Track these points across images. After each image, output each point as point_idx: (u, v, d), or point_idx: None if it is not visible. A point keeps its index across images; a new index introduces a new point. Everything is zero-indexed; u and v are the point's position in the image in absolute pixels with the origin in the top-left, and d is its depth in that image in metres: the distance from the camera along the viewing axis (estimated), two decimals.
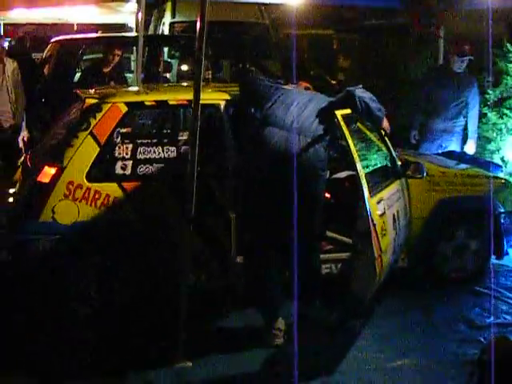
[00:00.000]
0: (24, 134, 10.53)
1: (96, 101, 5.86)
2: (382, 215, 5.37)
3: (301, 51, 15.67)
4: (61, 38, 11.90)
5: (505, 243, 6.96)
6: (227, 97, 5.98)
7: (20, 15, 13.90)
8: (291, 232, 5.13)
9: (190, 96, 5.75)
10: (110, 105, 5.77)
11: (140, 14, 9.19)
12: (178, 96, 6.10)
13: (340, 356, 5.20)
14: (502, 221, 6.95)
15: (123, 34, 13.44)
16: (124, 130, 5.80)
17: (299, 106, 5.34)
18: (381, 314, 5.95)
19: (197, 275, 5.71)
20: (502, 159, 9.34)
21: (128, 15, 14.70)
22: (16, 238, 5.66)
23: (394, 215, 5.72)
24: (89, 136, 5.66)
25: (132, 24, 15.11)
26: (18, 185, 6.39)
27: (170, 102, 6.01)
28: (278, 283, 5.51)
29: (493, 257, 6.89)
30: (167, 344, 5.19)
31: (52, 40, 11.92)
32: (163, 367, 5.05)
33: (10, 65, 9.75)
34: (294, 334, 5.02)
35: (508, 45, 9.87)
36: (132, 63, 13.64)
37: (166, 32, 14.81)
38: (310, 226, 5.35)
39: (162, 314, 5.51)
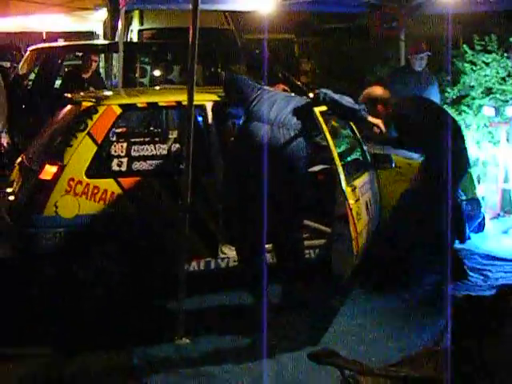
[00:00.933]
0: (5, 141, 10.83)
1: (92, 103, 6.33)
2: (356, 201, 5.93)
3: (263, 56, 16.07)
4: (39, 46, 12.27)
5: (467, 229, 7.52)
6: (215, 98, 6.48)
7: None
8: (278, 216, 5.70)
9: (177, 98, 6.31)
10: (105, 107, 6.23)
11: (120, 22, 9.62)
12: (167, 98, 6.61)
13: (324, 330, 5.71)
14: (464, 208, 7.52)
15: (96, 41, 13.78)
16: (119, 130, 6.29)
17: (281, 104, 5.90)
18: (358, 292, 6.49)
19: (190, 261, 6.18)
20: None
21: (96, 23, 15.03)
22: (22, 232, 6.09)
23: (366, 202, 6.29)
24: (86, 136, 6.11)
25: (99, 32, 15.47)
26: (15, 183, 6.79)
27: (160, 104, 6.50)
28: (265, 266, 6.04)
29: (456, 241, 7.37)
30: (167, 323, 5.68)
31: (30, 48, 12.26)
32: (164, 343, 5.54)
33: None
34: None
35: (464, 46, 10.41)
36: (101, 70, 13.99)
37: (135, 39, 15.26)
38: (296, 208, 5.89)
39: (160, 295, 6.01)
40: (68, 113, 6.75)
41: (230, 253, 6.41)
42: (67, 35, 16.92)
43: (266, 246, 6.07)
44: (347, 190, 5.78)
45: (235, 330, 5.79)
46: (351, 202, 5.77)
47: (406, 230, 6.67)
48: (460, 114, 10.08)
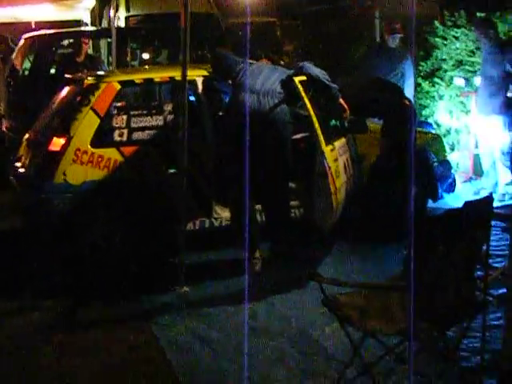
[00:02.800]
0: (3, 125, 11.38)
1: (94, 81, 6.97)
2: (335, 161, 6.61)
3: (247, 38, 16.54)
4: (34, 33, 12.84)
5: (439, 188, 8.18)
6: (205, 73, 7.12)
7: None
8: (267, 178, 6.36)
9: (170, 73, 6.96)
10: (106, 84, 6.87)
11: (111, 10, 10.21)
12: (161, 74, 7.25)
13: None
14: (436, 169, 8.16)
15: (87, 28, 14.33)
16: (119, 104, 6.90)
17: (265, 75, 6.57)
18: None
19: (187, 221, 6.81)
20: (436, 122, 10.53)
21: (83, 11, 15.54)
22: (35, 197, 6.72)
23: (344, 163, 6.96)
24: (90, 110, 6.74)
25: (87, 20, 15.99)
26: (23, 158, 7.41)
27: (156, 80, 7.14)
28: (256, 224, 6.70)
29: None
30: (169, 273, 6.34)
31: (24, 36, 12.84)
32: (167, 292, 6.21)
33: None
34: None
35: (436, 22, 11.03)
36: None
37: (122, 25, 15.80)
38: (283, 168, 6.55)
39: (163, 250, 6.66)
40: (71, 91, 7.37)
41: (222, 213, 7.05)
42: (56, 24, 17.36)
43: (256, 206, 6.75)
44: (326, 150, 6.46)
45: (228, 279, 6.50)
46: (330, 161, 6.44)
47: (381, 190, 7.33)
48: (433, 85, 10.70)
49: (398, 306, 4.04)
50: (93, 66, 11.10)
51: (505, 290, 5.01)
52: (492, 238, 5.89)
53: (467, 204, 4.00)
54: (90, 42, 13.39)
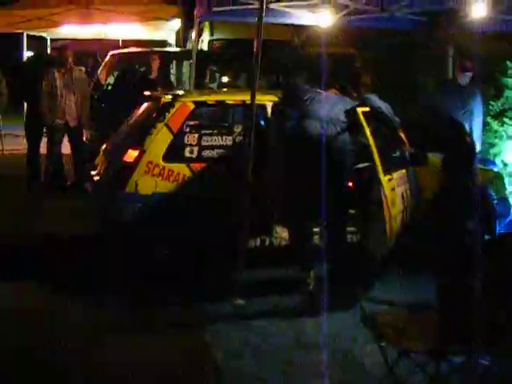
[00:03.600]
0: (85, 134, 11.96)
1: (170, 99, 7.41)
2: (392, 190, 6.89)
3: (325, 67, 16.88)
4: (119, 51, 13.49)
5: (497, 225, 8.34)
6: (275, 98, 7.48)
7: (68, 31, 15.20)
8: (325, 201, 6.67)
9: (242, 97, 7.34)
10: (181, 103, 7.32)
11: (193, 33, 10.71)
12: (233, 97, 7.66)
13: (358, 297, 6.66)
14: (495, 206, 8.33)
15: (170, 49, 14.92)
16: (192, 123, 7.31)
17: (330, 104, 6.91)
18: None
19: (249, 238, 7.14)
20: (503, 162, 10.67)
21: (168, 32, 16.16)
22: (108, 203, 7.17)
23: (402, 193, 7.22)
24: (164, 127, 7.18)
25: (171, 40, 16.61)
26: (99, 166, 7.89)
27: (227, 102, 7.55)
28: (312, 246, 7.01)
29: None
30: (228, 286, 6.69)
31: (110, 53, 13.49)
32: (224, 303, 6.59)
33: (77, 72, 11.24)
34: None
35: (508, 62, 11.20)
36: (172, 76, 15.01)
37: (205, 48, 16.37)
38: (342, 194, 6.85)
39: (223, 263, 7.01)
40: (148, 107, 7.85)
41: (282, 233, 7.38)
42: (142, 43, 18.05)
43: (314, 229, 7.07)
44: (384, 179, 6.75)
45: (283, 296, 6.81)
46: (387, 190, 6.73)
47: (438, 223, 7.53)
48: (502, 125, 10.85)
49: (433, 327, 4.30)
50: (165, 84, 11.64)
51: None
52: None
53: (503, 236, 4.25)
54: (174, 62, 14.00)
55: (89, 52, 20.48)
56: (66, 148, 11.55)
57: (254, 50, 6.48)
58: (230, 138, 7.37)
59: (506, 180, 9.27)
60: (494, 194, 8.38)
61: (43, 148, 11.54)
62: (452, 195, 7.32)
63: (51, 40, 16.12)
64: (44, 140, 11.62)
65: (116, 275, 7.10)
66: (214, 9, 8.61)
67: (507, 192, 8.98)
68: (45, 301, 6.74)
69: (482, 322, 4.21)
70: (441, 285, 4.38)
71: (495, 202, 8.36)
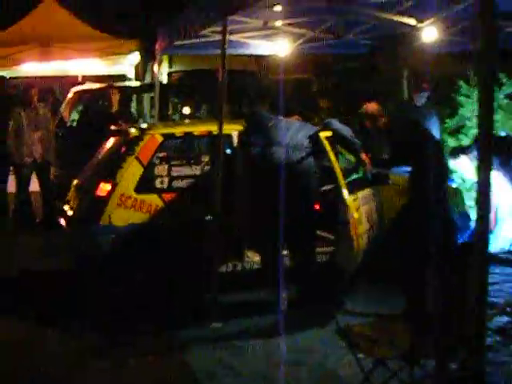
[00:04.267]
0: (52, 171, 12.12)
1: (138, 133, 7.66)
2: (357, 210, 7.18)
3: (285, 93, 17.20)
4: (80, 88, 13.70)
5: (458, 238, 8.63)
6: (240, 128, 7.75)
7: (28, 68, 15.06)
8: (293, 224, 6.94)
9: (208, 128, 7.61)
10: (149, 135, 7.57)
11: (155, 66, 10.98)
12: (200, 128, 7.93)
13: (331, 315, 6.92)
14: (455, 220, 8.64)
15: (131, 83, 15.13)
16: (161, 155, 7.56)
17: (293, 130, 7.20)
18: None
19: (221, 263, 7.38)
20: (461, 177, 11.00)
21: (128, 66, 16.34)
22: (82, 236, 7.37)
23: (367, 212, 7.52)
24: (135, 159, 7.42)
25: (131, 74, 16.80)
26: (72, 202, 8.09)
27: (195, 133, 7.82)
28: (283, 268, 7.25)
29: None
30: (204, 311, 6.93)
31: (73, 90, 13.68)
32: (201, 327, 6.81)
33: (42, 109, 11.43)
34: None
35: (461, 81, 11.60)
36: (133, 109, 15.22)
37: (165, 80, 16.63)
38: (309, 216, 7.13)
39: (197, 288, 7.24)
40: (116, 141, 8.07)
41: (253, 257, 7.63)
42: (101, 78, 18.19)
43: (284, 252, 7.33)
44: (349, 199, 7.05)
45: (258, 316, 7.06)
46: (353, 209, 7.03)
47: (401, 238, 7.83)
48: (458, 142, 11.22)
49: (404, 335, 4.58)
50: (126, 117, 11.89)
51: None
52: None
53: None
54: (135, 95, 14.23)
55: (47, 89, 20.62)
56: (33, 185, 11.70)
57: (219, 80, 6.74)
58: (199, 167, 7.62)
59: (465, 195, 9.59)
60: (454, 208, 8.69)
61: (10, 186, 11.68)
62: (417, 210, 7.61)
63: (10, 78, 16.29)
64: (11, 178, 11.75)
65: (93, 304, 7.31)
66: (176, 42, 8.83)
67: (466, 207, 9.32)
68: (21, 331, 6.94)
69: (447, 328, 4.49)
70: (410, 294, 4.66)
71: (455, 216, 8.67)
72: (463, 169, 10.30)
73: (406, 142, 7.26)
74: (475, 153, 8.48)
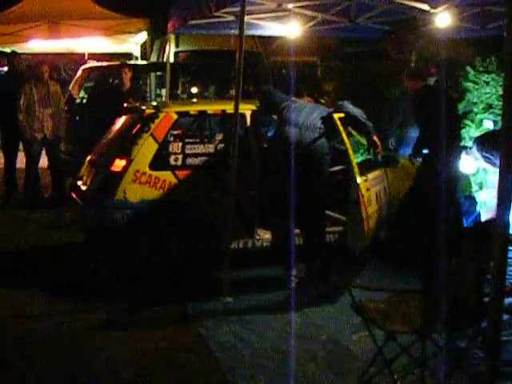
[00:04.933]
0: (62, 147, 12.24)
1: (154, 110, 7.78)
2: (367, 190, 7.32)
3: (289, 76, 17.31)
4: (92, 65, 13.79)
5: (464, 221, 8.79)
6: (253, 107, 7.88)
7: (35, 45, 15.36)
8: (306, 206, 7.08)
9: (222, 107, 7.73)
10: (164, 113, 7.69)
11: (167, 46, 11.07)
12: (214, 107, 8.05)
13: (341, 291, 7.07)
14: (462, 203, 8.81)
15: (140, 62, 15.22)
16: (175, 132, 7.70)
17: (307, 111, 7.33)
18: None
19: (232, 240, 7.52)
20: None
21: (134, 45, 16.46)
22: (97, 211, 7.51)
23: (376, 193, 7.66)
24: (150, 136, 7.55)
25: (137, 53, 16.91)
26: (85, 177, 8.21)
27: (209, 112, 7.94)
28: (294, 245, 7.41)
29: None
30: (215, 286, 7.08)
31: (82, 67, 13.78)
32: (212, 301, 6.96)
33: (53, 86, 11.52)
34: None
35: (468, 67, 11.71)
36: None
37: (171, 60, 16.69)
38: (320, 195, 7.28)
39: (210, 264, 7.39)
40: (131, 118, 8.18)
41: (264, 235, 7.77)
42: (107, 56, 18.27)
43: (295, 230, 7.47)
44: (360, 180, 7.19)
45: (267, 293, 7.21)
46: (363, 190, 7.17)
47: (409, 220, 8.00)
48: (464, 127, 11.33)
49: (416, 310, 4.73)
50: (138, 95, 12.00)
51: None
52: None
53: (476, 224, 4.69)
54: (142, 74, 14.32)
55: (54, 66, 20.68)
56: (42, 161, 11.82)
57: (236, 61, 6.85)
58: (212, 145, 7.75)
59: (472, 179, 9.74)
60: (460, 191, 8.85)
61: (20, 162, 11.80)
62: (430, 185, 7.75)
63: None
64: (21, 154, 11.86)
65: (108, 278, 7.51)
66: (191, 22, 8.92)
67: (472, 191, 9.46)
68: (29, 306, 7.01)
69: (457, 304, 4.64)
70: (421, 271, 4.80)
71: (462, 199, 8.82)
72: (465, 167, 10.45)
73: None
74: (475, 152, 8.82)
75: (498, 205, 3.66)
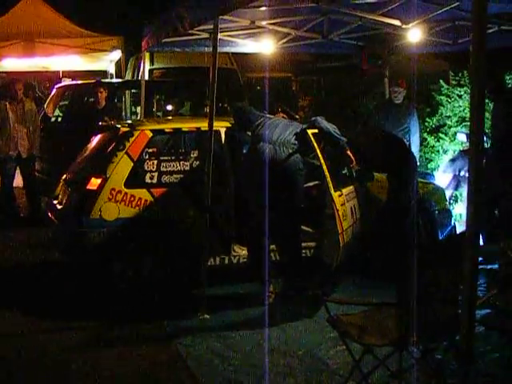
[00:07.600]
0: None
1: (128, 129, 7.80)
2: (342, 205, 7.37)
3: (264, 92, 17.41)
4: (64, 84, 13.79)
5: (439, 234, 8.87)
6: (227, 124, 7.92)
7: (9, 64, 15.25)
8: (281, 222, 7.11)
9: (196, 124, 7.78)
10: (139, 131, 7.71)
11: (142, 64, 11.11)
12: (189, 124, 8.08)
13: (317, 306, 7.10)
14: (436, 216, 8.89)
15: (115, 80, 15.23)
16: (150, 150, 7.70)
17: (281, 128, 7.38)
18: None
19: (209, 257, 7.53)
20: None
21: (108, 63, 16.46)
22: (73, 230, 7.50)
23: (351, 208, 7.71)
24: (125, 155, 7.56)
25: (111, 71, 16.90)
26: (61, 196, 8.20)
27: (184, 129, 7.96)
28: (270, 261, 7.43)
29: None
30: (192, 303, 7.09)
31: (57, 86, 13.79)
32: (189, 318, 6.97)
33: (28, 104, 11.50)
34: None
35: (441, 81, 11.85)
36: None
37: (146, 77, 16.70)
38: (295, 211, 7.31)
39: (187, 282, 7.39)
40: (106, 136, 8.19)
41: (240, 251, 7.78)
42: (82, 74, 18.23)
43: (270, 246, 7.50)
44: (335, 195, 7.24)
45: (245, 309, 7.23)
46: (338, 204, 7.22)
47: (383, 232, 8.05)
48: (438, 140, 11.48)
49: (392, 323, 4.76)
50: (113, 113, 12.02)
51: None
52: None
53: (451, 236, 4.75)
54: (117, 92, 14.33)
55: (28, 84, 20.63)
56: (17, 181, 11.78)
57: (210, 78, 6.89)
58: (187, 163, 7.77)
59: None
60: (435, 204, 8.92)
61: None
62: (393, 209, 7.87)
63: None
64: None
65: (83, 298, 7.47)
66: (165, 40, 8.94)
67: (446, 204, 9.54)
68: (14, 325, 7.01)
69: (432, 316, 4.69)
70: (396, 283, 4.84)
71: (436, 212, 8.89)
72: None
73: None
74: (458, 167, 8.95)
75: (468, 217, 3.68)
